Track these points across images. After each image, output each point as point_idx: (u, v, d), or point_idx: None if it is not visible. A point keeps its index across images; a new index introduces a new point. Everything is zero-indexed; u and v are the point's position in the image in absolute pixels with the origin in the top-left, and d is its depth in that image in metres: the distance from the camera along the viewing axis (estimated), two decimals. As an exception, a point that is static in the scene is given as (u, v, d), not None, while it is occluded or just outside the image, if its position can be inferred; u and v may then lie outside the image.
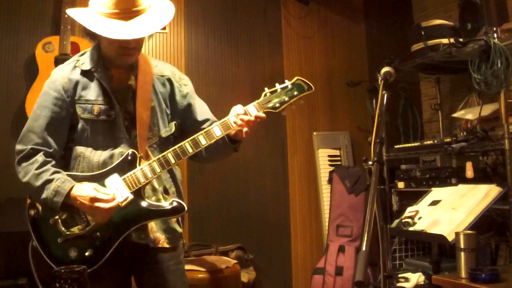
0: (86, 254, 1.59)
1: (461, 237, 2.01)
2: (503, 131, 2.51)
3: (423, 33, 3.05)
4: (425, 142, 3.09)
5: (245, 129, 1.66)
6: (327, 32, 4.02)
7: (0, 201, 2.85)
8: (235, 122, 1.67)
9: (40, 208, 1.65)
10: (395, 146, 3.33)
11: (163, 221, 1.75)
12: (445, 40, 2.90)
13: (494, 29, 2.63)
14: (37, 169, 1.62)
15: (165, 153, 1.67)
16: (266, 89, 1.73)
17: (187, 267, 2.65)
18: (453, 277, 1.99)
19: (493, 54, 2.50)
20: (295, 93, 1.72)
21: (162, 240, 1.74)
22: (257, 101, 1.71)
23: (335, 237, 3.46)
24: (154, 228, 1.72)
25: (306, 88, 1.74)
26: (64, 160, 1.72)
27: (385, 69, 1.65)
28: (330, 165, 3.80)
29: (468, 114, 3.04)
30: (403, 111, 3.87)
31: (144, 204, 1.65)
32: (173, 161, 1.66)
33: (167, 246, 1.74)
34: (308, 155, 3.83)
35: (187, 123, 1.86)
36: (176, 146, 1.68)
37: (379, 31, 4.10)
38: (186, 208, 1.67)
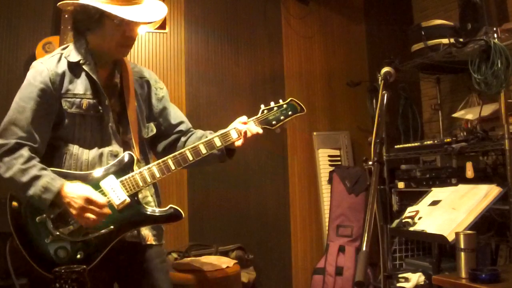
0: (78, 256, 1.52)
1: (461, 237, 2.01)
2: (503, 131, 2.51)
3: (423, 33, 3.04)
4: (425, 142, 3.08)
5: (241, 141, 1.71)
6: (327, 32, 4.01)
7: (0, 201, 2.84)
8: (237, 135, 1.71)
9: (24, 205, 1.55)
10: (395, 146, 3.32)
11: None
12: (445, 40, 2.90)
13: (494, 29, 2.63)
14: (23, 164, 1.50)
15: (165, 158, 1.65)
16: (262, 106, 1.80)
17: (187, 267, 2.66)
18: (453, 277, 1.98)
19: (493, 54, 2.50)
20: (289, 112, 1.81)
21: (150, 237, 1.72)
22: (255, 117, 1.77)
23: (335, 237, 3.46)
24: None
25: (299, 109, 1.83)
26: (46, 158, 1.61)
27: (385, 69, 1.65)
28: (330, 165, 3.80)
29: (468, 114, 3.04)
30: (403, 111, 3.87)
31: (141, 208, 1.61)
32: (173, 167, 1.64)
33: (155, 243, 1.73)
34: (308, 155, 3.83)
35: (162, 127, 1.85)
36: (176, 153, 1.66)
37: (379, 31, 4.10)
38: (183, 216, 1.65)
